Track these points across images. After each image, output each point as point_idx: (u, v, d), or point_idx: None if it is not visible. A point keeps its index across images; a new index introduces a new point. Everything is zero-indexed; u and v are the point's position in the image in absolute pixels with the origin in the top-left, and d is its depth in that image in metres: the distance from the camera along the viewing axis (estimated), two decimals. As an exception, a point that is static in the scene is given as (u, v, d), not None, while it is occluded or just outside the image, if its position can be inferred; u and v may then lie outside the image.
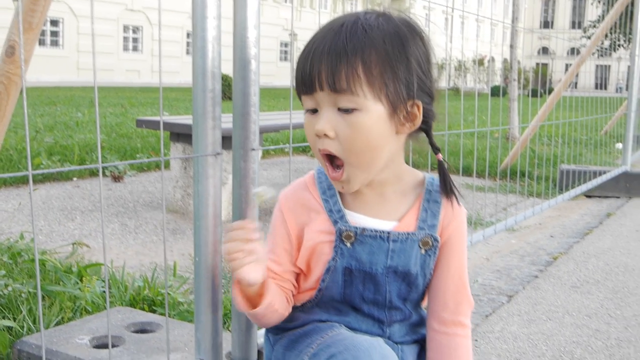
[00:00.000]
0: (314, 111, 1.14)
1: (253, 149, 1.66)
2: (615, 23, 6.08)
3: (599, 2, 16.68)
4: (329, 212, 1.23)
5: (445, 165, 1.27)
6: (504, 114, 10.46)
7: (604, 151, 7.78)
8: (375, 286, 1.24)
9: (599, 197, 5.50)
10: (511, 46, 7.98)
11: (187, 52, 34.78)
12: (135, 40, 36.24)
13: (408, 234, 1.22)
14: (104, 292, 2.49)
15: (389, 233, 1.21)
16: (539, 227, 4.43)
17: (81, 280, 2.52)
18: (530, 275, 3.22)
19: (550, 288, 2.99)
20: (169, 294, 2.45)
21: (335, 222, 1.22)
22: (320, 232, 1.23)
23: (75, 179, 5.29)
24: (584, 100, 6.38)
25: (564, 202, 4.95)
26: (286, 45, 42.05)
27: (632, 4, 5.70)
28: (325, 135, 1.11)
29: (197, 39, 1.52)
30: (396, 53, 1.10)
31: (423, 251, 1.23)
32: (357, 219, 1.23)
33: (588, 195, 5.45)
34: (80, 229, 3.87)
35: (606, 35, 14.87)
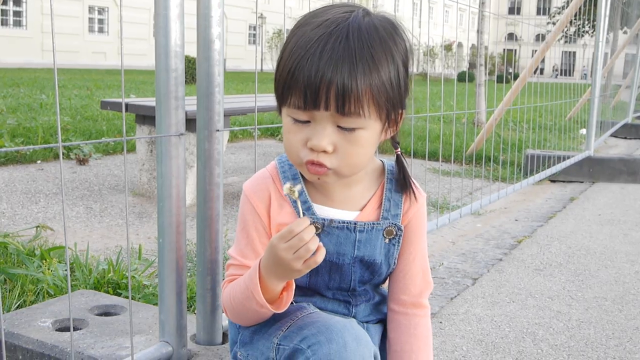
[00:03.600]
0: (305, 122, 1.09)
1: (218, 130, 1.65)
2: (580, 9, 6.15)
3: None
4: (294, 204, 1.22)
5: (403, 159, 1.28)
6: (471, 99, 10.55)
7: (568, 136, 7.89)
8: (341, 276, 1.25)
9: (563, 181, 5.59)
10: (478, 31, 8.03)
11: (152, 35, 34.35)
12: (101, 21, 35.68)
13: (373, 224, 1.23)
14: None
15: (355, 224, 1.21)
16: (504, 211, 4.49)
17: (45, 264, 2.48)
18: (495, 258, 3.26)
19: (514, 271, 3.03)
20: (133, 277, 2.43)
21: (301, 215, 1.21)
22: (283, 225, 1.22)
23: (39, 161, 5.20)
24: (550, 86, 6.46)
25: (528, 186, 5.02)
26: (254, 28, 41.60)
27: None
28: (324, 151, 1.08)
29: (160, 17, 1.50)
30: (396, 64, 1.10)
31: (387, 240, 1.25)
32: (322, 210, 1.23)
33: (552, 180, 5.53)
34: (45, 212, 3.81)
35: (571, 22, 15.05)
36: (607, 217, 4.21)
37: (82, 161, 5.19)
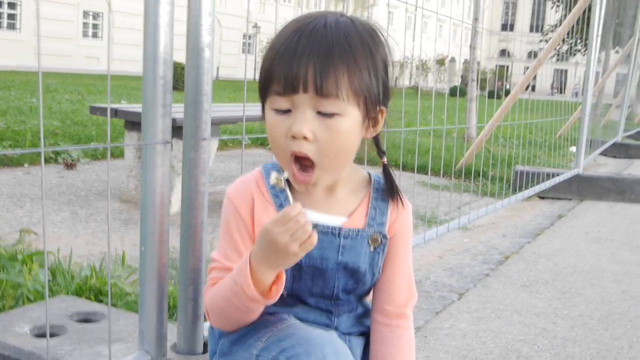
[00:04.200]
0: (286, 111, 1.11)
1: (204, 139, 1.64)
2: (573, 28, 6.18)
3: (558, 6, 16.99)
4: (279, 207, 1.21)
5: (391, 169, 1.30)
6: (462, 114, 10.58)
7: (558, 154, 7.92)
8: (324, 281, 1.24)
9: (552, 198, 5.59)
10: (471, 46, 8.06)
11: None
12: (95, 26, 35.65)
13: (358, 230, 1.23)
14: (49, 280, 2.44)
15: (340, 229, 1.21)
16: (492, 227, 4.49)
17: (25, 268, 2.45)
18: (482, 273, 3.25)
19: (500, 287, 3.02)
20: (116, 284, 2.41)
21: (290, 202, 1.20)
22: None
23: (26, 165, 5.17)
24: (541, 104, 6.48)
25: (517, 202, 5.02)
26: (249, 37, 41.62)
27: (589, 9, 5.79)
28: (304, 137, 1.09)
29: (149, 24, 1.49)
30: (373, 59, 1.12)
31: (372, 248, 1.25)
32: (307, 214, 1.22)
33: (541, 196, 5.54)
34: (30, 217, 3.78)
35: (564, 40, 15.15)
36: (594, 235, 4.22)
37: (69, 166, 5.16)
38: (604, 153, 9.09)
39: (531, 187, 4.93)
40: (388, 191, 1.27)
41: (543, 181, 5.14)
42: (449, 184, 5.76)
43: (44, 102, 9.89)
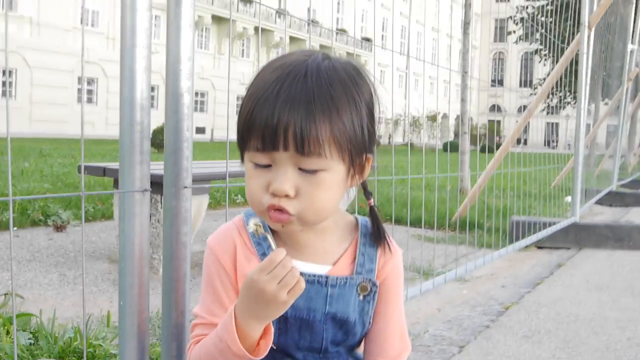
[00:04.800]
0: (265, 166, 1.05)
1: (185, 187, 1.58)
2: (562, 80, 6.22)
3: (546, 59, 17.27)
4: (261, 257, 1.15)
5: (377, 211, 1.23)
6: (455, 167, 10.58)
7: (554, 204, 7.86)
8: (312, 334, 1.16)
9: (550, 248, 5.52)
10: (462, 99, 8.10)
11: (152, 106, 34.34)
12: (89, 92, 35.98)
13: (346, 278, 1.15)
14: (31, 343, 2.34)
15: (327, 277, 1.14)
16: (491, 278, 4.39)
17: (7, 332, 2.35)
18: (482, 325, 3.15)
19: (501, 338, 2.92)
20: (100, 345, 2.31)
21: (273, 247, 1.13)
22: None
23: (15, 228, 5.09)
24: (534, 156, 6.47)
25: (515, 252, 4.94)
26: (202, 95, 42.04)
27: (577, 62, 5.83)
28: (286, 195, 1.03)
29: (125, 69, 1.45)
30: (357, 107, 1.06)
31: (361, 297, 1.17)
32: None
33: (539, 246, 5.47)
34: (16, 280, 3.68)
35: (554, 93, 15.29)
36: (595, 283, 4.13)
37: (59, 228, 5.08)
38: (599, 202, 9.05)
39: (528, 236, 4.85)
40: (375, 236, 1.20)
41: (540, 230, 5.07)
42: (445, 236, 5.68)
43: (36, 166, 9.87)
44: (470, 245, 5.30)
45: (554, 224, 5.34)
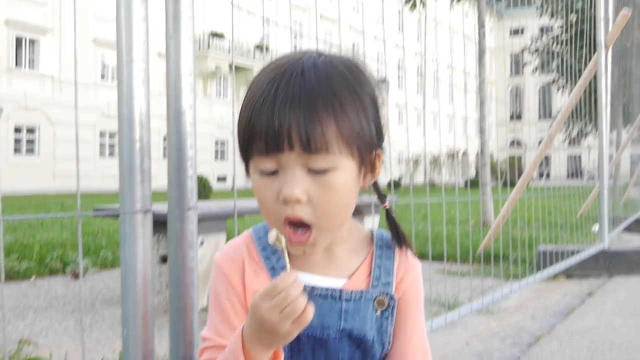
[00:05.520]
0: (272, 172, 0.98)
1: (190, 208, 1.50)
2: (581, 109, 6.11)
3: (564, 89, 17.21)
4: (271, 271, 1.06)
5: (394, 214, 1.15)
6: (477, 202, 10.45)
7: (581, 233, 7.67)
8: (327, 353, 1.06)
9: (580, 277, 5.34)
10: (481, 130, 8.01)
11: (164, 156, 34.50)
12: (112, 146, 36.34)
13: (362, 292, 1.06)
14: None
15: (341, 291, 1.05)
16: (519, 309, 4.24)
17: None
18: (513, 357, 3.01)
19: (534, 368, 2.78)
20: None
21: (288, 268, 1.05)
22: None
23: (33, 277, 5.04)
24: (557, 189, 6.33)
25: (544, 283, 4.79)
26: (222, 144, 41.45)
27: (595, 91, 5.73)
28: (297, 200, 0.95)
29: (123, 85, 1.39)
30: (361, 100, 1.00)
31: (379, 313, 1.08)
32: (304, 277, 1.06)
33: (568, 275, 5.30)
34: (31, 328, 3.61)
35: (573, 122, 15.13)
36: (629, 310, 3.96)
37: (77, 276, 5.02)
38: (628, 229, 8.83)
39: (556, 265, 4.70)
40: (394, 239, 1.12)
41: (567, 259, 4.91)
42: (469, 269, 5.54)
43: (56, 218, 9.90)
44: (496, 277, 5.14)
45: (582, 252, 5.18)
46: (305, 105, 0.94)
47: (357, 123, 0.98)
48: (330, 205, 0.98)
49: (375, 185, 1.12)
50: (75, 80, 1.20)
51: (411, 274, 1.12)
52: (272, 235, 0.96)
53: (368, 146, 1.01)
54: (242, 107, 1.01)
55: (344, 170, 0.98)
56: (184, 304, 1.48)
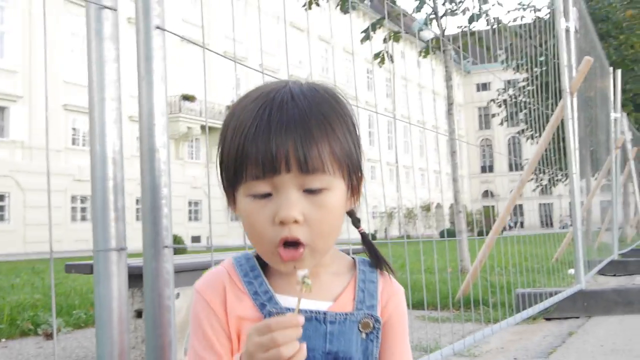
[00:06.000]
0: (265, 195, 0.98)
1: (166, 247, 1.48)
2: (550, 159, 6.21)
3: (532, 139, 17.54)
4: (253, 296, 1.05)
5: (370, 238, 1.18)
6: (453, 251, 10.47)
7: (557, 277, 7.71)
8: None
9: (559, 319, 5.33)
10: (454, 179, 8.09)
11: (137, 219, 34.12)
12: (83, 209, 35.94)
13: (346, 314, 1.06)
14: None
15: (325, 314, 1.05)
16: (501, 351, 4.20)
17: None
18: (497, 397, 2.97)
19: (518, 407, 2.74)
20: None
21: (262, 306, 1.04)
22: (243, 319, 1.05)
23: (4, 339, 4.90)
24: (531, 238, 6.36)
25: (524, 326, 4.78)
26: (196, 204, 41.12)
27: (564, 139, 5.83)
28: (295, 221, 0.97)
29: (95, 123, 1.39)
30: (346, 123, 1.04)
31: (364, 335, 1.08)
32: (287, 301, 1.05)
33: (547, 318, 5.29)
34: (3, 390, 3.49)
35: (544, 172, 15.41)
36: (610, 347, 3.96)
37: (49, 336, 4.89)
38: (602, 273, 8.90)
39: (535, 306, 4.69)
40: (373, 262, 1.13)
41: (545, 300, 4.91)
42: (450, 315, 5.51)
43: (27, 279, 9.71)
44: (476, 321, 5.11)
45: (559, 293, 5.19)
46: (300, 128, 0.97)
47: (346, 144, 1.02)
48: (324, 225, 0.99)
49: (350, 210, 1.13)
50: (47, 146, 1.20)
51: (395, 298, 1.13)
52: (300, 274, 0.93)
53: (355, 167, 1.04)
54: (227, 133, 1.03)
55: (336, 190, 1.00)
56: (162, 343, 1.46)
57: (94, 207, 1.38)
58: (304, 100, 1.00)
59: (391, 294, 1.13)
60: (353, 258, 1.16)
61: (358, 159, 1.05)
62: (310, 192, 0.98)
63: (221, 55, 1.97)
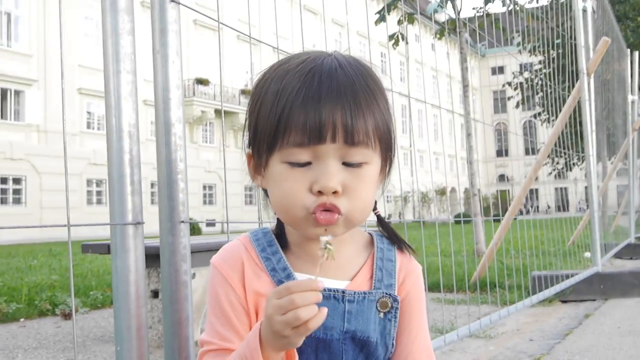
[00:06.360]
0: (305, 164, 0.96)
1: (182, 221, 1.48)
2: (565, 141, 6.14)
3: (548, 123, 17.40)
4: (271, 272, 1.04)
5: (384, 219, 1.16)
6: (468, 235, 10.44)
7: (574, 260, 7.67)
8: (330, 355, 1.04)
9: (575, 301, 5.30)
10: (469, 162, 8.04)
11: (152, 202, 34.27)
12: (99, 193, 36.16)
13: (365, 293, 1.05)
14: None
15: (343, 292, 1.03)
16: (517, 333, 4.19)
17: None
18: (513, 378, 2.96)
19: (535, 387, 2.73)
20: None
21: (280, 282, 1.02)
22: (261, 295, 1.03)
23: (22, 319, 4.95)
24: (546, 222, 6.31)
25: (540, 308, 4.75)
26: (210, 188, 41.23)
27: (580, 123, 5.77)
28: (335, 192, 0.95)
29: (110, 96, 1.38)
30: (385, 98, 1.03)
31: (382, 315, 1.06)
32: (305, 279, 1.04)
33: (563, 300, 5.26)
34: (21, 368, 3.52)
35: (559, 155, 15.29)
36: (627, 328, 3.93)
37: (67, 316, 4.93)
38: (619, 256, 8.84)
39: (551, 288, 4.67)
40: (392, 241, 1.12)
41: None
42: (465, 298, 5.49)
43: (44, 261, 9.80)
44: (492, 304, 5.10)
45: (576, 275, 5.16)
46: (351, 99, 0.95)
47: (387, 119, 1.01)
48: (363, 198, 0.98)
49: None
50: (63, 130, 1.19)
51: (413, 275, 1.12)
52: (324, 240, 0.92)
53: (390, 144, 1.03)
54: (264, 98, 0.99)
55: (374, 164, 1.00)
56: (179, 318, 1.45)
57: (111, 181, 1.38)
58: (349, 70, 0.98)
59: (409, 271, 1.11)
60: (370, 234, 1.14)
61: (394, 135, 1.04)
62: (349, 165, 0.96)
63: (236, 30, 1.96)
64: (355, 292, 1.04)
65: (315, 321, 0.87)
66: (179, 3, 1.51)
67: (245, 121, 1.05)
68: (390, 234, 1.14)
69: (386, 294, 1.06)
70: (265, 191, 1.06)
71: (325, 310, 0.88)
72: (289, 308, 0.86)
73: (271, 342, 0.90)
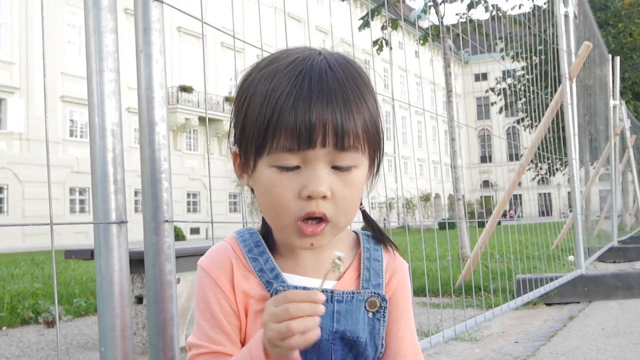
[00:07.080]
0: (293, 168, 0.95)
1: (166, 221, 1.47)
2: (549, 148, 6.18)
3: (531, 128, 17.49)
4: (259, 273, 1.03)
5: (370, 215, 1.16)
6: (453, 240, 10.48)
7: (557, 263, 7.71)
8: (319, 356, 1.03)
9: (559, 304, 5.33)
10: (453, 166, 8.08)
11: (136, 210, 33.98)
12: (82, 202, 35.89)
13: (353, 293, 1.04)
14: None
15: (332, 292, 1.03)
16: (502, 335, 4.20)
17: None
18: (498, 379, 2.97)
19: (520, 388, 2.74)
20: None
21: (268, 284, 1.02)
22: (249, 296, 1.03)
23: (4, 327, 4.89)
24: (530, 226, 6.36)
25: (524, 310, 4.77)
26: (194, 195, 41.06)
27: (563, 129, 5.81)
28: (323, 196, 0.94)
29: (93, 95, 1.37)
30: (374, 98, 1.01)
31: (370, 314, 1.06)
32: (293, 279, 1.04)
33: (548, 303, 5.29)
34: (3, 377, 3.48)
35: (542, 160, 15.38)
36: (611, 330, 3.95)
37: (50, 323, 4.88)
38: (602, 260, 8.90)
39: (535, 290, 4.69)
40: (376, 239, 1.12)
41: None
42: (451, 302, 5.51)
43: (26, 269, 9.71)
44: (477, 307, 5.11)
45: (560, 278, 5.18)
46: (341, 102, 0.94)
47: (376, 121, 1.00)
48: (350, 202, 0.97)
49: None
50: (46, 138, 1.18)
51: (399, 274, 1.12)
52: (337, 254, 0.91)
53: (379, 145, 1.02)
54: (251, 100, 0.97)
55: (362, 168, 0.99)
56: (163, 318, 1.44)
57: (94, 180, 1.37)
58: (341, 72, 0.97)
59: (395, 269, 1.11)
60: (356, 232, 1.14)
61: (382, 137, 1.03)
62: (338, 169, 0.96)
63: (220, 30, 1.95)
64: (343, 292, 1.04)
65: (310, 336, 0.86)
66: (162, 2, 1.51)
67: (231, 119, 1.04)
68: (375, 231, 1.13)
69: (374, 293, 1.06)
70: (252, 189, 1.05)
71: (318, 329, 0.87)
72: (283, 317, 0.85)
73: (269, 350, 0.90)
